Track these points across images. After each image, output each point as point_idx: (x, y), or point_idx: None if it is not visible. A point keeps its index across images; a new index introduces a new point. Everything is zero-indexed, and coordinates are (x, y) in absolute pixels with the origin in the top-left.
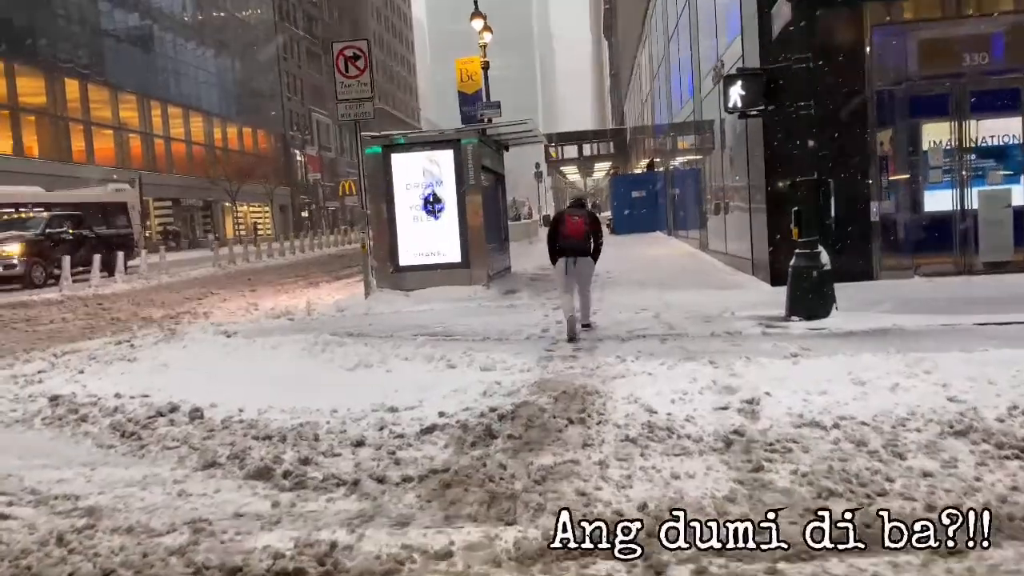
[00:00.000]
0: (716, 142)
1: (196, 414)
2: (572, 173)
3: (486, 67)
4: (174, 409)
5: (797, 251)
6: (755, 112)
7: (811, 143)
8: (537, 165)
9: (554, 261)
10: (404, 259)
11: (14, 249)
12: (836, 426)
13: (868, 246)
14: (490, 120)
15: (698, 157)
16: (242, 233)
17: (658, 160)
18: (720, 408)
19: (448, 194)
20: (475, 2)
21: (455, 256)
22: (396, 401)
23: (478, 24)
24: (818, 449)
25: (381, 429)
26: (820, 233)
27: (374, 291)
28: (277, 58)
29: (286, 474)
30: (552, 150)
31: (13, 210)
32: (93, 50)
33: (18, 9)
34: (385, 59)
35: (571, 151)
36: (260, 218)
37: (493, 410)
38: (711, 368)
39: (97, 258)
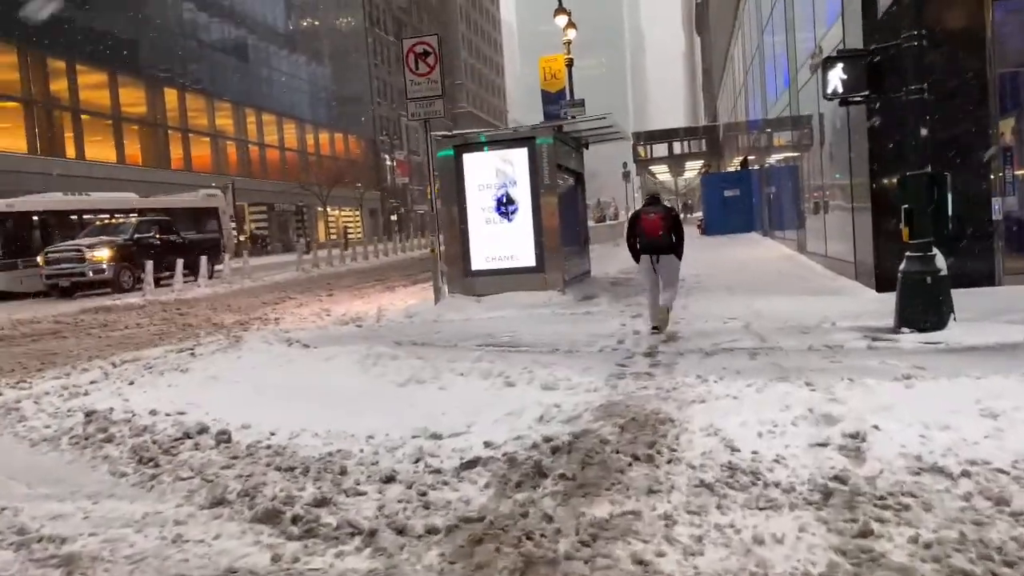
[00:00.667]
0: (814, 136)
1: (223, 437)
2: (662, 172)
3: (570, 64)
4: (203, 431)
5: (908, 254)
6: (858, 99)
7: (923, 132)
8: (625, 165)
9: (637, 259)
10: (476, 263)
11: (104, 254)
12: (966, 474)
13: (990, 248)
14: (572, 117)
15: (795, 153)
16: (333, 237)
17: (752, 157)
18: (817, 444)
19: (522, 195)
20: (559, 0)
21: (529, 260)
22: (441, 426)
23: (562, 21)
24: (944, 507)
25: (417, 461)
26: (934, 234)
27: (445, 297)
28: (368, 64)
29: (296, 519)
30: (641, 149)
31: (108, 216)
32: (191, 60)
33: (120, 22)
34: (473, 62)
35: (661, 150)
36: (351, 222)
37: (548, 440)
38: (807, 391)
39: (180, 263)
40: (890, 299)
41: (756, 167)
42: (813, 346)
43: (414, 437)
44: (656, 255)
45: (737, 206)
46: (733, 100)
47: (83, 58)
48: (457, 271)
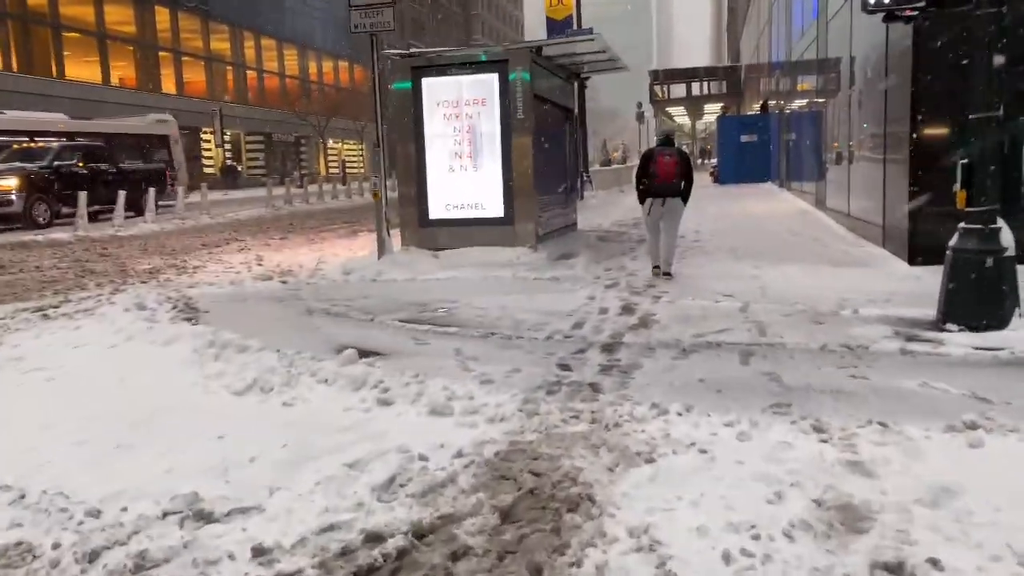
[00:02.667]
0: (843, 75)
1: None
2: (680, 115)
3: None
4: None
5: (963, 226)
6: (910, 12)
7: (998, 61)
8: (640, 105)
9: (642, 200)
10: (434, 211)
11: (10, 183)
12: None
13: None
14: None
15: (819, 98)
16: (334, 171)
17: (773, 101)
18: None
19: (490, 132)
20: None
21: (496, 210)
22: (228, 489)
23: None
24: None
25: None
26: (1002, 200)
27: (392, 251)
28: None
29: None
30: (658, 89)
31: (28, 139)
32: None
33: None
34: (497, 25)
35: (679, 91)
36: (353, 156)
37: (374, 541)
38: (815, 442)
39: (122, 195)
40: (926, 276)
41: (776, 111)
42: (828, 345)
43: (166, 515)
44: (663, 198)
45: (754, 153)
46: (756, 38)
47: None
48: (412, 220)
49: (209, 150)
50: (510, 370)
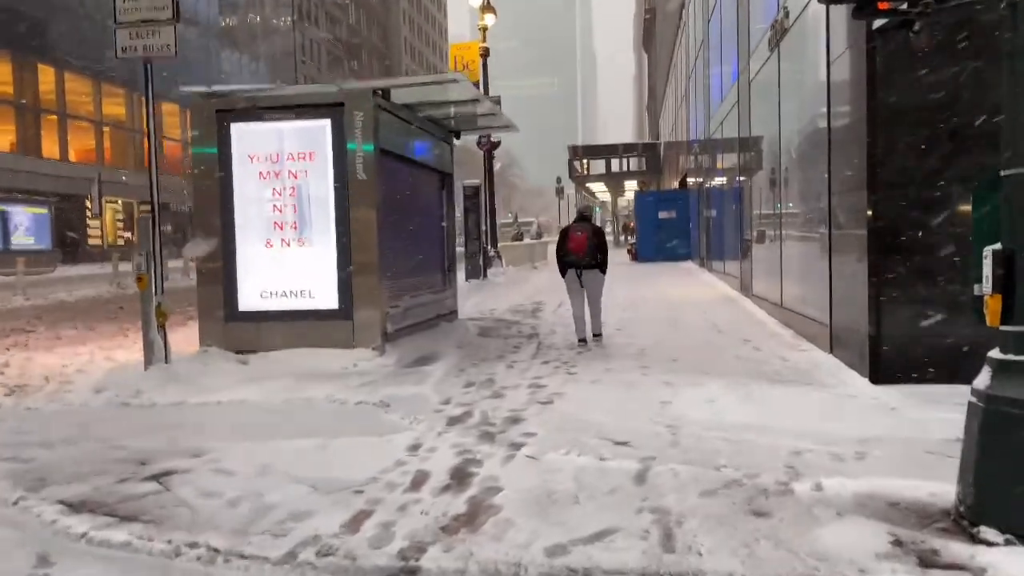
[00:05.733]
0: (770, 141)
1: None
2: (601, 191)
3: (485, 54)
4: None
5: (998, 356)
6: (888, 8)
7: None
8: (559, 180)
9: (563, 273)
10: (246, 300)
11: None
12: None
13: None
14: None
15: (742, 167)
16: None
17: (692, 170)
18: None
19: (321, 194)
20: None
21: (329, 299)
22: None
23: (476, 1)
24: None
25: None
26: None
27: (167, 359)
28: (295, 61)
29: None
30: (578, 164)
31: None
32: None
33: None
34: (416, 69)
35: (599, 167)
36: None
37: None
38: None
39: None
40: (903, 404)
41: (697, 180)
42: None
43: None
44: (580, 270)
45: (673, 230)
46: (674, 113)
47: None
48: (214, 311)
49: (94, 220)
50: None
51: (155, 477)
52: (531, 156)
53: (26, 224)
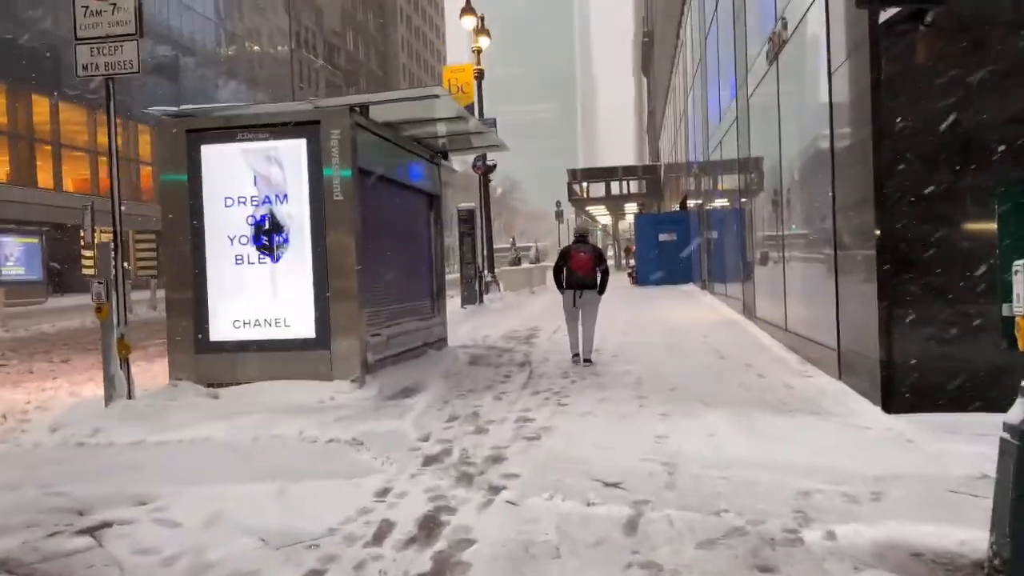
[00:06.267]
0: (771, 158)
1: None
2: (601, 214)
3: (479, 76)
4: None
5: None
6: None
7: None
8: (558, 203)
9: (561, 289)
10: (218, 330)
11: None
12: None
13: None
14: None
15: (743, 187)
16: None
17: (692, 191)
18: None
19: (297, 218)
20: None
21: (305, 328)
22: None
23: (470, 22)
24: None
25: None
26: None
27: (128, 395)
28: (292, 88)
29: None
30: (577, 187)
31: None
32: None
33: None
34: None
35: (599, 190)
36: None
37: None
38: None
39: None
40: (919, 435)
41: (698, 203)
42: None
43: None
44: (581, 290)
45: (674, 253)
46: (673, 133)
47: None
48: (185, 342)
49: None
50: None
51: (91, 530)
52: (533, 181)
53: (16, 255)
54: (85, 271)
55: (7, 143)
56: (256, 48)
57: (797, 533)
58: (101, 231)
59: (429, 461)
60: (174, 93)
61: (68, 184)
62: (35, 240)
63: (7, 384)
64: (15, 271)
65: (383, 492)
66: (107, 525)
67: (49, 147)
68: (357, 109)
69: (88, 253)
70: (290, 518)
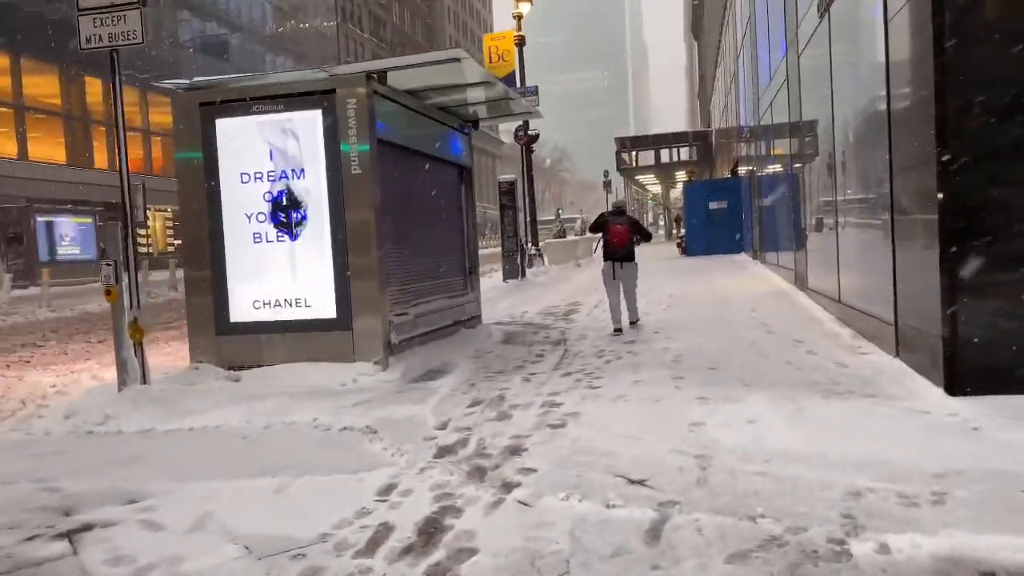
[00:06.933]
0: (823, 120)
1: None
2: (651, 183)
3: (521, 43)
4: None
5: None
6: None
7: None
8: (606, 173)
9: (596, 232)
10: (238, 311)
11: None
12: None
13: None
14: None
15: (795, 151)
16: None
17: (743, 157)
18: None
19: (314, 193)
20: None
21: (326, 308)
22: None
23: None
24: None
25: None
26: None
27: (141, 379)
28: (339, 63)
29: None
30: (625, 156)
31: None
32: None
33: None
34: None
35: (648, 158)
36: None
37: None
38: None
39: None
40: (987, 422)
41: (749, 169)
42: None
43: None
44: (620, 262)
45: (724, 221)
46: (724, 97)
47: None
48: (204, 323)
49: (140, 229)
50: None
51: (71, 533)
52: (583, 151)
53: (71, 235)
54: (140, 249)
55: (63, 125)
56: (304, 25)
57: (844, 544)
58: (155, 209)
59: (442, 453)
60: (222, 71)
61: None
62: (89, 220)
63: (39, 366)
64: (70, 251)
65: (387, 490)
66: (88, 528)
67: (103, 128)
68: (375, 76)
69: (141, 232)
70: (283, 520)
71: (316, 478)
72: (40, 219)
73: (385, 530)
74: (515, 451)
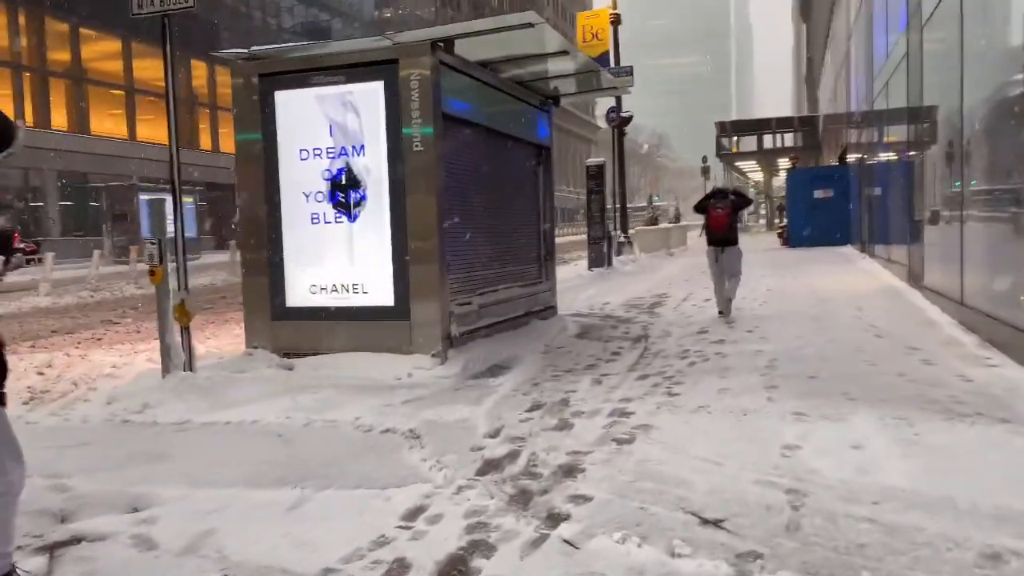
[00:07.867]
0: (949, 102)
1: None
2: (752, 170)
3: (616, 21)
4: None
5: None
6: None
7: None
8: (704, 159)
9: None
10: (294, 295)
11: None
12: None
13: None
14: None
15: (913, 135)
16: None
17: (852, 144)
18: None
19: (375, 171)
20: None
21: (383, 295)
22: None
23: None
24: None
25: None
26: None
27: (187, 366)
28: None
29: None
30: (725, 141)
31: None
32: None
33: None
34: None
35: (750, 144)
36: None
37: None
38: None
39: None
40: None
41: (858, 156)
42: None
43: None
44: (722, 247)
45: (829, 211)
46: (834, 80)
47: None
48: (261, 308)
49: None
50: None
51: (56, 546)
52: (683, 137)
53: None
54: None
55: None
56: (403, 11)
57: None
58: None
59: (487, 468)
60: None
61: (226, 145)
62: (189, 199)
63: (105, 344)
64: (172, 229)
65: (414, 513)
66: (76, 541)
67: (207, 110)
68: (441, 45)
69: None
70: (286, 548)
71: (339, 492)
72: (144, 197)
73: (399, 569)
74: (570, 471)
